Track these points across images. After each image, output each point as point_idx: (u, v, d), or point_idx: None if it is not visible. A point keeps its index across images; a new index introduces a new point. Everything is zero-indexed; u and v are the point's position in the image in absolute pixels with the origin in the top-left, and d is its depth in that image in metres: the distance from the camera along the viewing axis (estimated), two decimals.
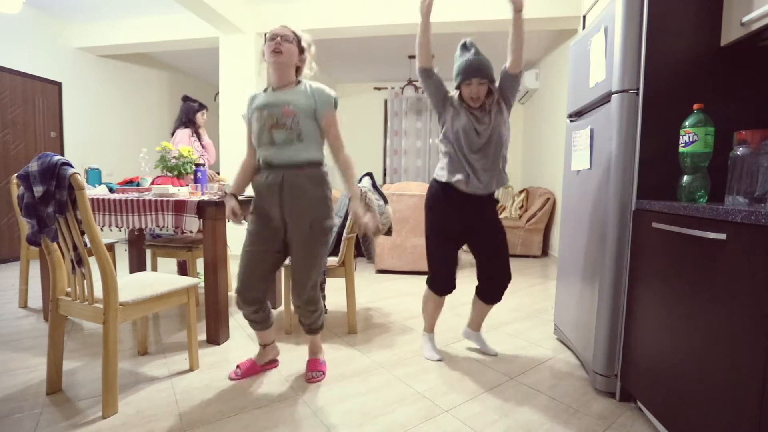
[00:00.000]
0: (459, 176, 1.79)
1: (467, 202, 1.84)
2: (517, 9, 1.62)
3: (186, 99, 3.34)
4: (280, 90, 1.61)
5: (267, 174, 1.61)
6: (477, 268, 1.94)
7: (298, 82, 1.64)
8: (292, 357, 1.99)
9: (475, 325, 2.09)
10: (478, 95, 1.75)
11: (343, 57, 5.65)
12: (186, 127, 3.26)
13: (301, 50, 1.62)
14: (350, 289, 2.29)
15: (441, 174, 1.85)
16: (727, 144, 1.40)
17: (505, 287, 1.91)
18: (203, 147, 3.34)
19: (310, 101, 1.59)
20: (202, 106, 3.36)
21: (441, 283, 1.89)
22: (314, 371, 1.77)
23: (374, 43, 4.96)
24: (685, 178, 1.39)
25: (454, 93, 1.86)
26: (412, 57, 5.59)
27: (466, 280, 3.33)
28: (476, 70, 1.71)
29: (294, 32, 1.60)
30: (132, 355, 1.97)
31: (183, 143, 3.14)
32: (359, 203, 1.68)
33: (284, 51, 1.55)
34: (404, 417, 1.50)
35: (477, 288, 1.98)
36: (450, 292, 1.91)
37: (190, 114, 3.29)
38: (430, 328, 2.08)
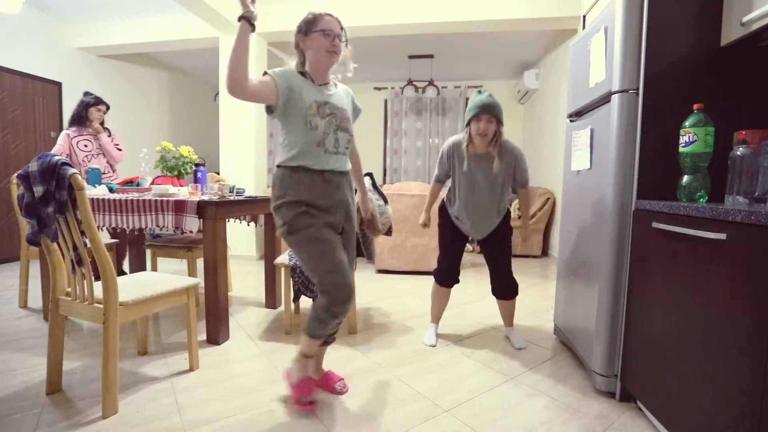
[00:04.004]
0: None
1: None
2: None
3: (85, 93, 2.99)
4: (323, 87, 1.49)
5: (328, 185, 1.47)
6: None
7: (332, 82, 1.56)
8: (292, 357, 1.98)
9: (506, 321, 2.28)
10: (485, 131, 1.91)
11: None
12: (74, 125, 2.93)
13: (346, 43, 1.53)
14: None
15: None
16: (727, 144, 1.40)
17: (512, 283, 2.14)
18: (99, 147, 2.99)
19: (350, 108, 1.59)
20: (98, 100, 2.97)
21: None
22: (341, 380, 1.70)
23: (374, 43, 4.95)
24: (685, 178, 1.39)
25: (459, 138, 2.05)
26: (412, 57, 5.59)
27: (470, 283, 3.33)
28: (487, 107, 1.90)
29: (342, 27, 1.49)
30: (132, 355, 1.97)
31: (58, 146, 2.86)
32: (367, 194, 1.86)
33: (339, 53, 1.47)
34: (404, 417, 1.50)
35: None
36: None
37: (80, 109, 2.91)
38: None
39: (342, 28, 1.48)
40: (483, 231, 2.10)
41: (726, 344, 1.04)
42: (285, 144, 1.47)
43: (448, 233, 2.17)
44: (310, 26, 1.45)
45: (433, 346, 2.15)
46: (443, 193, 2.25)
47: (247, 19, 1.33)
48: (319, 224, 1.45)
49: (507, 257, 2.14)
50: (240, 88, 1.31)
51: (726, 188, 1.28)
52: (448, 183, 2.19)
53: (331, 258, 1.43)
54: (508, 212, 2.14)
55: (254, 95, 1.37)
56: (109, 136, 3.07)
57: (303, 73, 1.49)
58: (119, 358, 1.76)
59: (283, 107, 1.42)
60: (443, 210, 2.21)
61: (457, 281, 2.19)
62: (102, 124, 3.04)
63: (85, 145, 2.93)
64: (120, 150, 3.11)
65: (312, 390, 1.55)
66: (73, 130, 2.92)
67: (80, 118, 2.93)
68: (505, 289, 2.16)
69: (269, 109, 1.45)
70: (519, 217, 4.94)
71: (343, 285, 1.42)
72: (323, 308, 1.43)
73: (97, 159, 2.96)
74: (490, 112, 1.89)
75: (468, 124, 1.96)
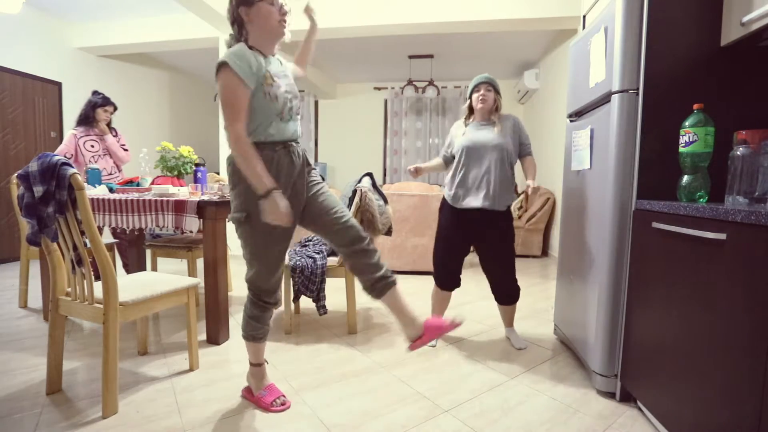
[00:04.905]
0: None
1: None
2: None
3: (93, 93, 2.98)
4: (269, 59, 1.44)
5: (292, 151, 1.44)
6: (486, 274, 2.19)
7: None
8: (292, 357, 1.99)
9: (506, 322, 2.29)
10: (485, 98, 2.05)
11: (343, 57, 5.64)
12: (81, 125, 2.92)
13: None
14: (350, 289, 2.29)
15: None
16: (727, 144, 1.40)
17: (512, 291, 2.13)
18: (106, 148, 2.98)
19: (290, 73, 1.55)
20: (106, 100, 2.95)
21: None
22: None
23: (374, 43, 4.95)
24: (685, 178, 1.39)
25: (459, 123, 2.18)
26: (412, 57, 5.59)
27: (470, 283, 3.32)
28: (484, 78, 2.09)
29: None
30: (132, 355, 1.97)
31: (64, 146, 2.85)
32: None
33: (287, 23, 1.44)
34: (404, 417, 1.50)
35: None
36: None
37: (88, 109, 2.91)
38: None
39: None
40: (491, 200, 1.99)
41: (726, 344, 1.04)
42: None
43: (447, 233, 2.12)
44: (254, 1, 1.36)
45: (433, 346, 2.15)
46: (444, 193, 2.21)
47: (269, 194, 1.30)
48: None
49: (509, 261, 2.10)
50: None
51: (726, 188, 1.28)
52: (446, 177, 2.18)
53: (274, 262, 1.48)
54: (510, 213, 2.11)
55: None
56: (116, 136, 3.07)
57: (251, 48, 1.41)
58: (119, 358, 1.76)
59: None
60: (443, 208, 2.16)
61: (458, 285, 2.15)
62: (109, 124, 3.04)
63: (92, 146, 2.92)
64: (126, 150, 3.11)
65: (279, 391, 1.57)
66: (80, 130, 2.91)
67: (87, 119, 2.92)
68: (506, 295, 2.14)
69: None
70: (519, 217, 4.94)
71: (274, 288, 1.51)
72: (252, 304, 1.52)
73: (103, 159, 2.95)
74: (487, 81, 2.08)
75: (470, 97, 2.12)
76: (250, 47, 1.39)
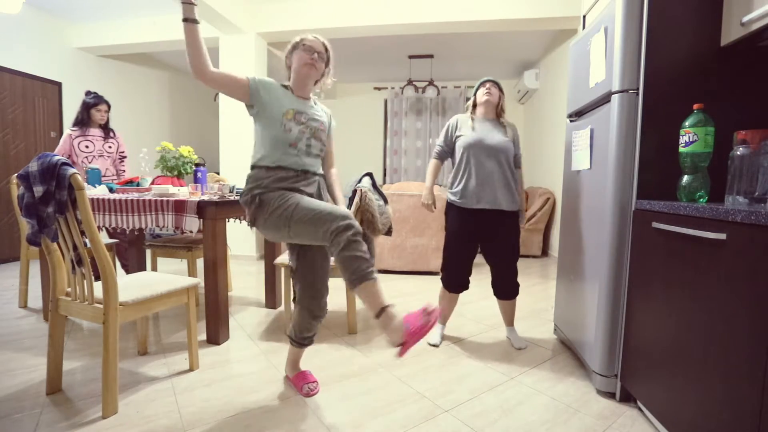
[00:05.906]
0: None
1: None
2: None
3: (86, 93, 2.98)
4: (301, 99, 1.61)
5: (304, 179, 1.54)
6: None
7: (312, 99, 1.68)
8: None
9: (506, 321, 2.28)
10: (490, 93, 2.10)
11: (343, 57, 5.63)
12: (77, 126, 2.92)
13: (326, 63, 1.66)
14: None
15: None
16: (727, 144, 1.40)
17: (511, 287, 2.13)
18: (101, 148, 2.98)
19: (327, 125, 1.70)
20: (98, 99, 2.94)
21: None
22: (314, 382, 1.70)
23: (374, 43, 4.95)
24: (685, 178, 1.39)
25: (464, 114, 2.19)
26: (412, 57, 5.59)
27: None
28: (489, 78, 2.15)
29: (327, 48, 1.63)
30: (132, 355, 1.97)
31: (60, 147, 2.88)
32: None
33: (317, 68, 1.60)
34: (404, 417, 1.50)
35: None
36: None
37: (82, 111, 2.92)
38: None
39: (327, 50, 1.63)
40: (503, 199, 2.01)
41: (726, 344, 1.04)
42: (259, 145, 1.54)
43: (457, 236, 2.09)
44: (296, 45, 1.60)
45: (437, 345, 2.15)
46: (444, 194, 2.21)
47: (192, 20, 1.44)
48: (288, 192, 1.48)
49: (513, 258, 2.10)
50: (200, 74, 1.48)
51: (726, 188, 1.28)
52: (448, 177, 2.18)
53: (313, 203, 1.41)
54: (517, 211, 2.09)
55: (217, 83, 1.51)
56: (114, 136, 3.07)
57: (286, 87, 1.62)
58: (119, 358, 1.76)
59: (259, 107, 1.53)
60: (450, 211, 2.14)
61: (466, 287, 2.13)
62: (106, 124, 3.03)
63: (86, 146, 2.92)
64: (125, 157, 3.13)
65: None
66: (75, 130, 2.91)
67: (83, 121, 2.93)
68: (506, 289, 2.14)
69: (248, 107, 1.57)
70: None
71: (339, 215, 1.35)
72: (344, 243, 1.31)
73: (98, 160, 2.96)
74: (492, 80, 2.15)
75: (475, 95, 2.17)
76: (286, 86, 1.61)
